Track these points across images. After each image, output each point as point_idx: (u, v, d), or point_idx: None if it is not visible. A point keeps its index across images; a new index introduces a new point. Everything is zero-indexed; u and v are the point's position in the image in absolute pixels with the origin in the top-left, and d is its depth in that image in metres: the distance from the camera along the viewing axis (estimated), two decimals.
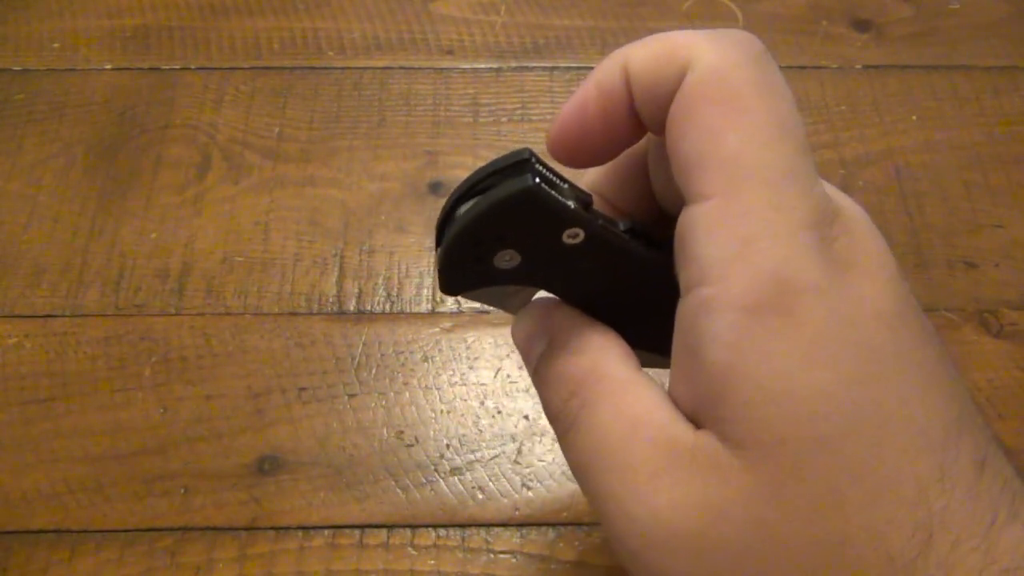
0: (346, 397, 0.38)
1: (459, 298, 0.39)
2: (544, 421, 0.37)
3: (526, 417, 0.37)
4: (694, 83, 0.17)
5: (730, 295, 0.16)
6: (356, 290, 0.40)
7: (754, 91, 0.17)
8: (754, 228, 0.16)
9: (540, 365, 0.21)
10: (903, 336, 0.17)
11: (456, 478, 0.36)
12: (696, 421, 0.17)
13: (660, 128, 0.19)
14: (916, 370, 0.16)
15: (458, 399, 0.38)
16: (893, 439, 0.16)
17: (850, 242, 0.17)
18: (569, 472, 0.31)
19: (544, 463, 0.36)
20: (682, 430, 0.17)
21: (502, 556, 0.34)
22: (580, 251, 0.20)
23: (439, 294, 0.40)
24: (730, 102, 0.17)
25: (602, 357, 0.19)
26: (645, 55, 0.18)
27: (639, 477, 0.17)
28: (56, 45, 0.48)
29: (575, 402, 0.19)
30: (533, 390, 0.37)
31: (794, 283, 0.16)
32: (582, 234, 0.19)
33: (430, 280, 0.41)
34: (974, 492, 0.16)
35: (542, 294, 0.22)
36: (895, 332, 0.17)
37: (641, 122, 0.20)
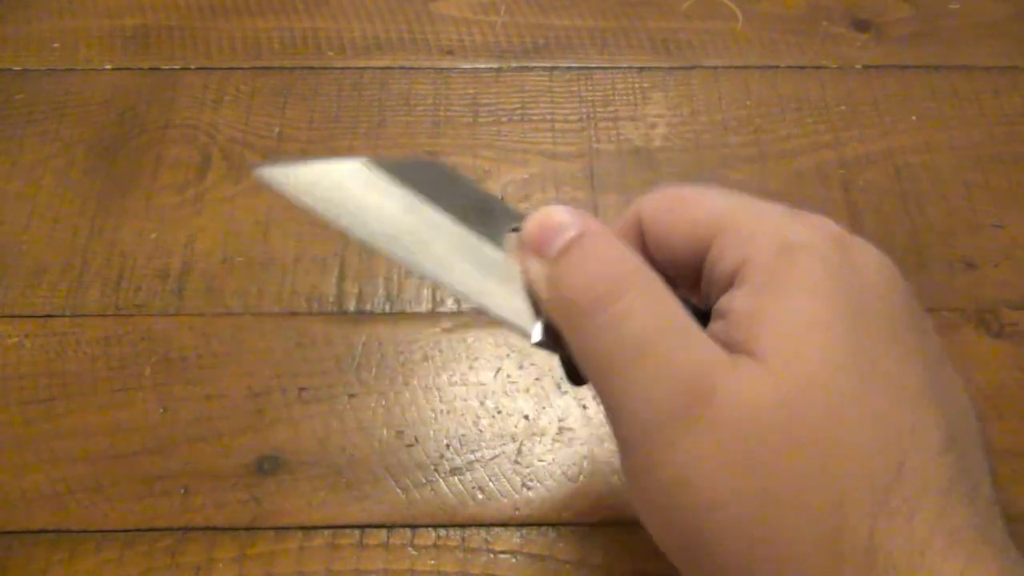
0: (346, 397, 0.38)
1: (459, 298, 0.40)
2: (544, 421, 0.37)
3: (526, 417, 0.37)
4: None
5: (751, 270, 0.20)
6: (356, 290, 0.40)
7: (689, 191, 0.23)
8: (756, 235, 0.21)
9: (571, 248, 0.21)
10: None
11: (456, 478, 0.36)
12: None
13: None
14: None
15: (458, 399, 0.38)
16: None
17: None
18: (569, 473, 0.31)
19: (544, 463, 0.36)
20: (719, 347, 0.20)
21: (502, 556, 0.34)
22: None
23: (439, 294, 0.40)
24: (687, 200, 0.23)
25: (640, 260, 0.21)
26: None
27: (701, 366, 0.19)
28: (56, 45, 0.48)
29: (619, 286, 0.20)
30: (534, 389, 0.37)
31: (794, 243, 0.20)
32: None
33: (430, 280, 0.41)
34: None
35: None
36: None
37: None
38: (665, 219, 0.22)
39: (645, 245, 0.23)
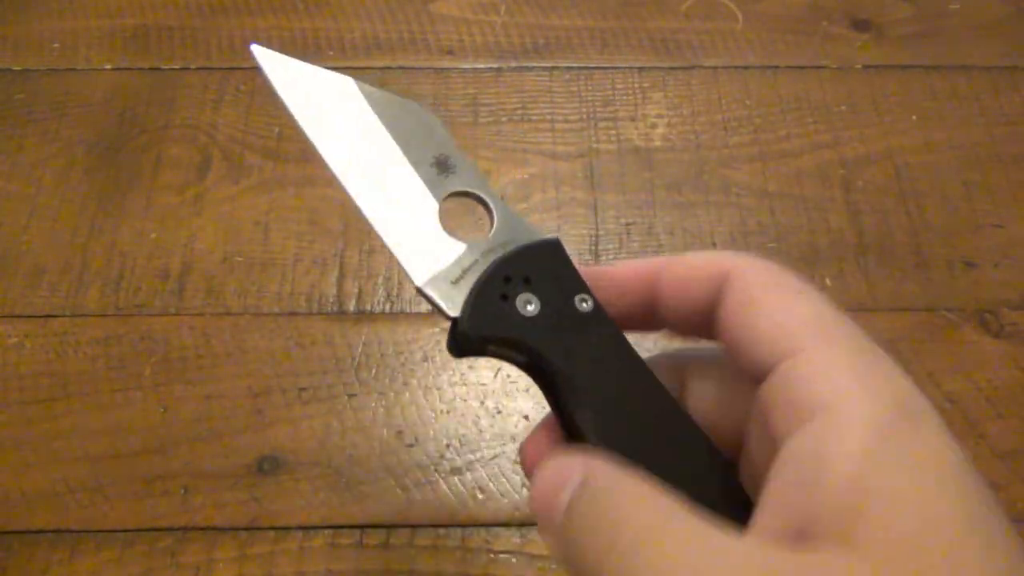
0: (346, 397, 0.38)
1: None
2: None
3: (526, 417, 0.37)
4: (748, 281, 0.20)
5: (855, 417, 0.16)
6: (356, 290, 0.40)
7: (795, 280, 0.20)
8: (859, 366, 0.17)
9: (577, 503, 0.18)
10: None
11: (456, 478, 0.36)
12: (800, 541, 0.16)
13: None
14: (984, 520, 0.16)
15: (458, 399, 0.38)
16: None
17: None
18: None
19: None
20: (778, 556, 0.16)
21: (502, 556, 0.34)
22: (587, 322, 0.22)
23: None
24: (785, 287, 0.19)
25: (652, 498, 0.18)
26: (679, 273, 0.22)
27: None
28: (56, 45, 0.48)
29: (626, 539, 0.17)
30: (533, 390, 0.37)
31: (912, 405, 0.17)
32: (591, 302, 0.22)
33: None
34: None
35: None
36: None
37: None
38: (761, 302, 0.19)
39: (723, 298, 0.20)
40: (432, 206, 0.23)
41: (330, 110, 0.23)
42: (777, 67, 0.47)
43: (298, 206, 0.43)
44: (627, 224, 0.42)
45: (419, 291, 0.22)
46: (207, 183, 0.43)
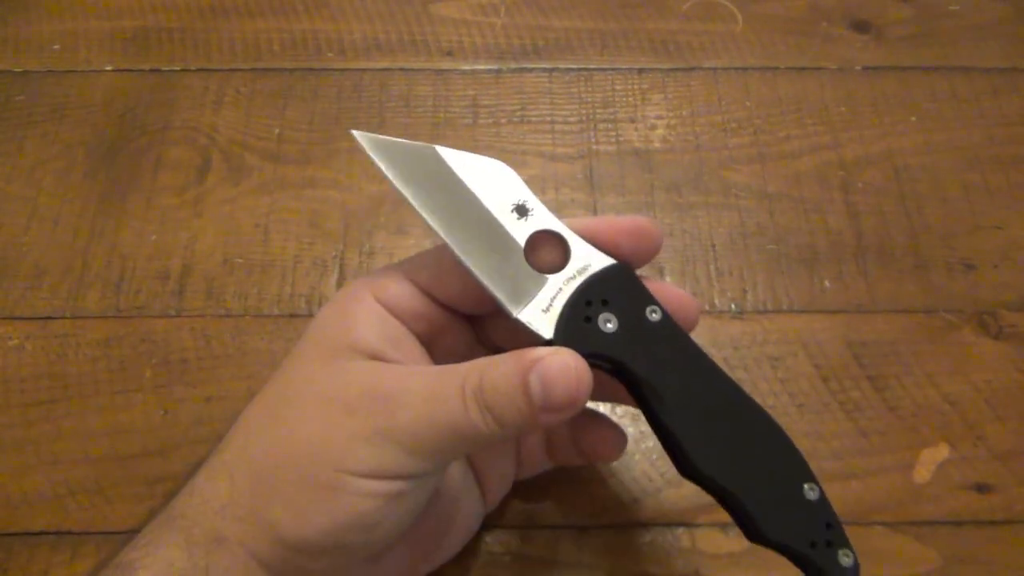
0: None
1: None
2: None
3: None
4: None
5: None
6: None
7: None
8: None
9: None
10: None
11: None
12: None
13: None
14: None
15: None
16: None
17: None
18: (569, 472, 0.31)
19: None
20: None
21: (502, 556, 0.34)
22: (659, 330, 0.26)
23: None
24: None
25: None
26: None
27: None
28: (56, 47, 0.48)
29: None
30: None
31: None
32: (660, 312, 0.27)
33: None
34: None
35: None
36: None
37: None
38: None
39: None
40: (518, 247, 0.27)
41: (423, 177, 0.28)
42: (777, 68, 0.47)
43: (298, 208, 0.43)
44: None
45: (516, 321, 0.26)
46: (207, 185, 0.43)
